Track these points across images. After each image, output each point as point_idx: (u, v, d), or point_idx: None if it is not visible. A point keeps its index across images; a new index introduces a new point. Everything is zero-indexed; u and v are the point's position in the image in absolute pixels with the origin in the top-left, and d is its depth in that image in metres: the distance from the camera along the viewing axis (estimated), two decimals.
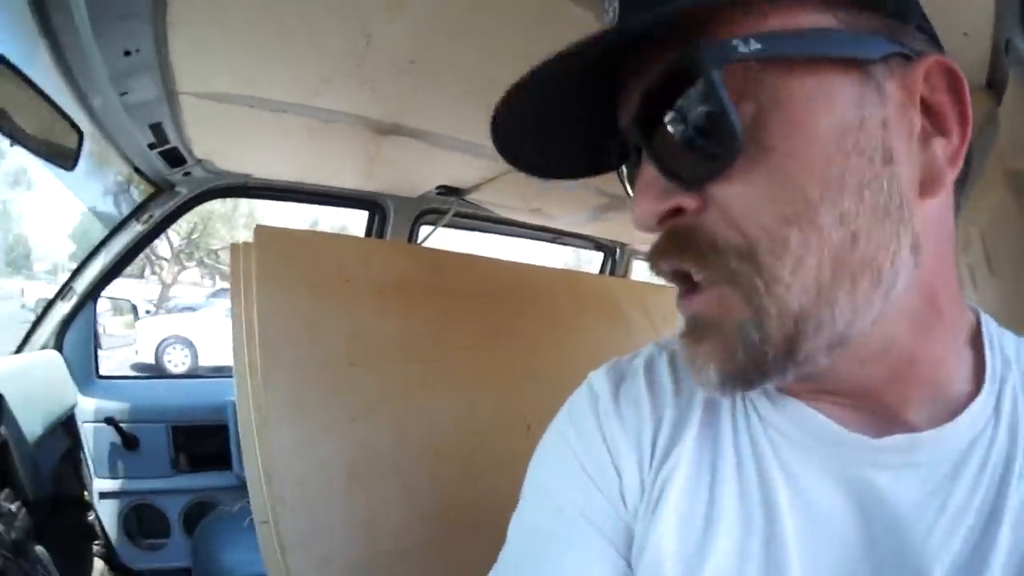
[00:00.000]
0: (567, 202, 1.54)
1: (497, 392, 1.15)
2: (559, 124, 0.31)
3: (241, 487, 1.70)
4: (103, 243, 1.50)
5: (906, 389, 0.29)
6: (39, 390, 1.37)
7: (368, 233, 1.91)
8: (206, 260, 14.92)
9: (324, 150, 1.32)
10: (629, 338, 1.39)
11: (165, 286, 13.11)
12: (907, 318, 0.28)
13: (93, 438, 1.59)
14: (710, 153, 0.26)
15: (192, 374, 2.15)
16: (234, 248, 1.02)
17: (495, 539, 1.05)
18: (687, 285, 0.29)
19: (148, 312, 11.58)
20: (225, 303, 9.25)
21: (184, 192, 1.47)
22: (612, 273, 2.27)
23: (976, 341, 0.31)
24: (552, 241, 2.16)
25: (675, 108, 0.27)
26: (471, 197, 1.61)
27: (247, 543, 1.28)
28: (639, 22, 0.26)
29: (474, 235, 2.03)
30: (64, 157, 1.02)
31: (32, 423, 1.24)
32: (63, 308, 1.55)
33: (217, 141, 1.23)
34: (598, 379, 0.38)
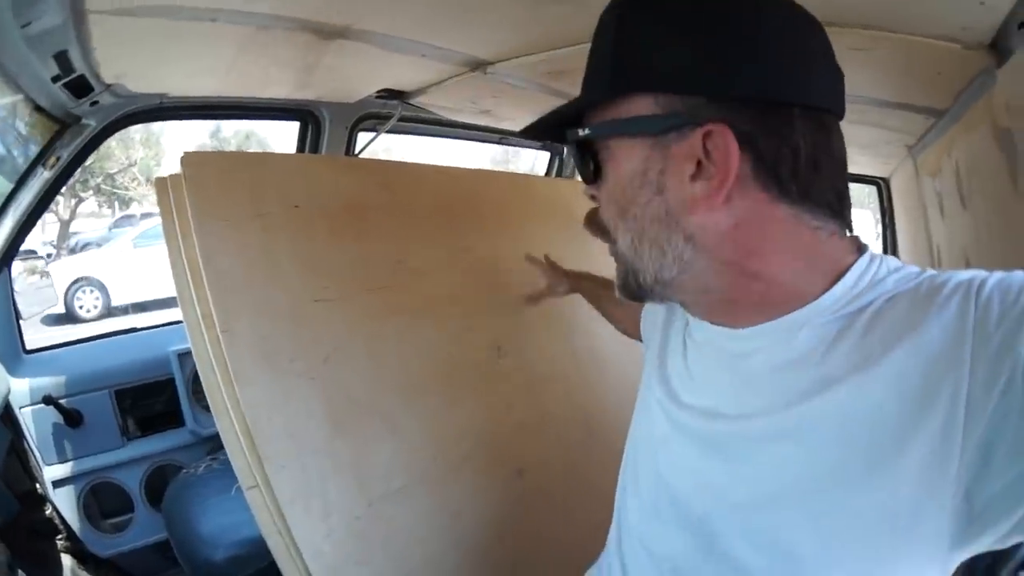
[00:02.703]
0: (521, 104, 1.50)
1: (465, 314, 1.10)
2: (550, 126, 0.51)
3: (199, 443, 1.64)
4: (8, 200, 1.29)
5: (742, 307, 0.45)
6: None
7: (301, 146, 1.76)
8: (103, 187, 13.24)
9: (255, 61, 1.19)
10: (584, 243, 1.40)
11: (63, 223, 11.68)
12: (716, 274, 0.44)
13: (33, 422, 1.41)
14: (592, 175, 0.48)
15: (129, 329, 1.94)
16: (160, 183, 0.89)
17: (481, 465, 1.05)
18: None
19: (49, 256, 10.43)
20: (130, 232, 8.35)
21: (93, 124, 1.29)
22: (559, 174, 2.28)
23: (840, 275, 0.42)
24: (498, 142, 2.13)
25: (580, 150, 0.48)
26: (415, 100, 1.53)
27: (224, 507, 1.24)
28: (574, 105, 0.47)
29: (404, 138, 1.96)
30: None
31: None
32: None
33: (130, 61, 1.07)
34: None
